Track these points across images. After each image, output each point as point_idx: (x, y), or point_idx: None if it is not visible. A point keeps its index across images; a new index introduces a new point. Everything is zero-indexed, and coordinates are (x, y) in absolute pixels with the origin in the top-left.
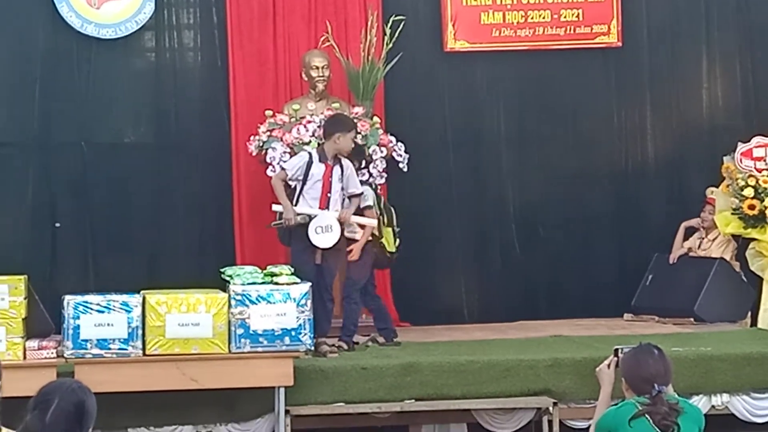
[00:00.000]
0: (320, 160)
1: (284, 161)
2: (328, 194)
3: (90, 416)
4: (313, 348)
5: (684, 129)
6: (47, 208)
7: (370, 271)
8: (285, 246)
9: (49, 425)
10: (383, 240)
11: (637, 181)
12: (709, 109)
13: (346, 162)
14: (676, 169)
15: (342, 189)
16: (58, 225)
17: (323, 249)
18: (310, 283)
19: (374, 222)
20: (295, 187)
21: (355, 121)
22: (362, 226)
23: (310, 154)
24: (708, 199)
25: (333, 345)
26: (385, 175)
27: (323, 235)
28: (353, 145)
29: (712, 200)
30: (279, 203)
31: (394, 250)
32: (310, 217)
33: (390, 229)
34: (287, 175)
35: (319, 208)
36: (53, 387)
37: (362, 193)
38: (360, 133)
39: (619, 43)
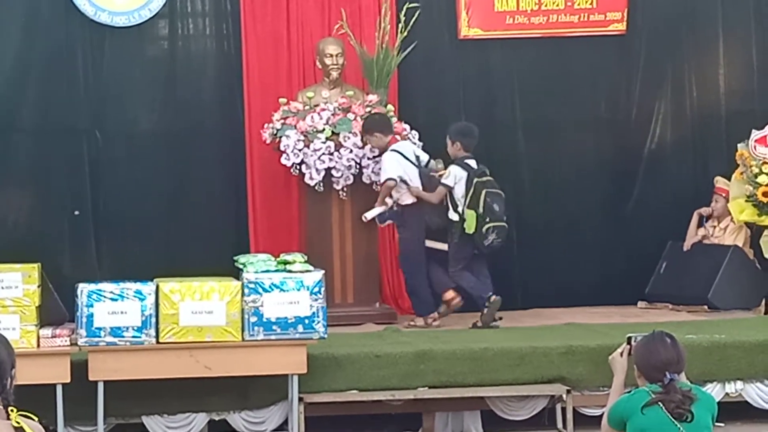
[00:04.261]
0: None
1: (298, 149)
2: None
3: (6, 366)
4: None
5: (699, 115)
6: (61, 196)
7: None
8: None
9: None
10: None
11: (652, 167)
12: (724, 95)
13: None
14: (691, 156)
15: None
16: (77, 213)
17: None
18: (323, 272)
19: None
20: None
21: (369, 109)
22: None
23: None
24: (716, 188)
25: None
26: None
27: None
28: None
29: (720, 189)
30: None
31: (472, 232)
32: None
33: (472, 212)
34: None
35: None
36: None
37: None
38: None
39: (633, 30)
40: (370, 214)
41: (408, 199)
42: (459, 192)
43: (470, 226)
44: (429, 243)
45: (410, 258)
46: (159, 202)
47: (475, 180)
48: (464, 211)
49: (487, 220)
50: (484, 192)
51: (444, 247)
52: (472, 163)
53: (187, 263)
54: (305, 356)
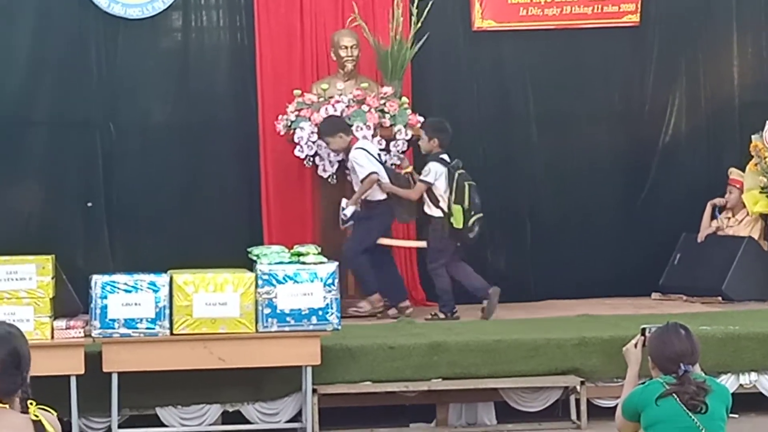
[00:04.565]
0: None
1: (312, 141)
2: None
3: (26, 359)
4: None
5: (712, 107)
6: (75, 188)
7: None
8: None
9: None
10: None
11: (665, 159)
12: (737, 87)
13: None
14: (705, 147)
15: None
16: (90, 204)
17: None
18: (336, 263)
19: None
20: None
21: (384, 101)
22: None
23: None
24: (730, 179)
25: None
26: (403, 156)
27: None
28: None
29: (734, 180)
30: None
31: (460, 226)
32: None
33: (459, 207)
34: None
35: None
36: None
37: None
38: (388, 113)
39: (646, 22)
40: (349, 212)
41: (379, 196)
42: (441, 187)
43: (458, 221)
44: (406, 243)
45: (360, 253)
46: (172, 194)
47: (457, 174)
48: (450, 206)
49: (472, 213)
50: (467, 185)
51: (423, 244)
52: (446, 157)
53: (200, 256)
54: (319, 348)
